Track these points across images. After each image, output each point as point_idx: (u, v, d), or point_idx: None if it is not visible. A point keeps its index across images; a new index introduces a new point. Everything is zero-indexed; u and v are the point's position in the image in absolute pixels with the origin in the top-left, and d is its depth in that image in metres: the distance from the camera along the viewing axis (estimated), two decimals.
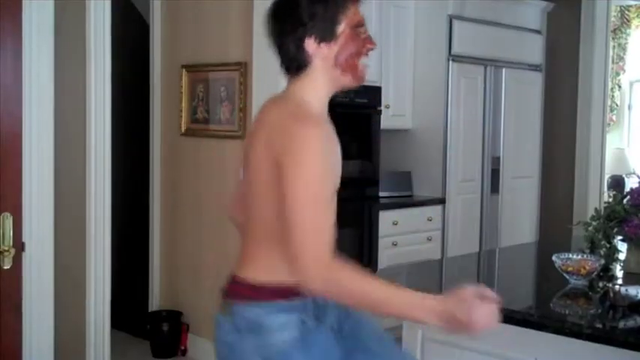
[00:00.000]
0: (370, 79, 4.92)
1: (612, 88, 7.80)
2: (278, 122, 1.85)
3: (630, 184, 6.16)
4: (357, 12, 1.91)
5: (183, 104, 4.72)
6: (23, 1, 2.73)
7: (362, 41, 1.90)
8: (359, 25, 1.90)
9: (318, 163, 1.75)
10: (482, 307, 1.70)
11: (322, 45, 1.87)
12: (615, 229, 2.63)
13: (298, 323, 1.85)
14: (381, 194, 5.09)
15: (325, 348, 1.90)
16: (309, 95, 1.90)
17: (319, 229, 1.78)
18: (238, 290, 1.90)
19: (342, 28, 1.87)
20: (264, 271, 1.88)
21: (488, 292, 1.73)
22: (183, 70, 4.70)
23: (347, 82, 1.92)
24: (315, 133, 1.77)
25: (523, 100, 5.99)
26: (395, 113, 5.33)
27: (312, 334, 1.87)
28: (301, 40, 1.86)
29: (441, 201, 5.38)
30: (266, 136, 1.85)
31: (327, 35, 1.86)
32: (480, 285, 1.77)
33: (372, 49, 1.93)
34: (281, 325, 1.84)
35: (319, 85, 1.91)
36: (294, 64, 1.90)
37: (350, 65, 1.89)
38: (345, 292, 1.79)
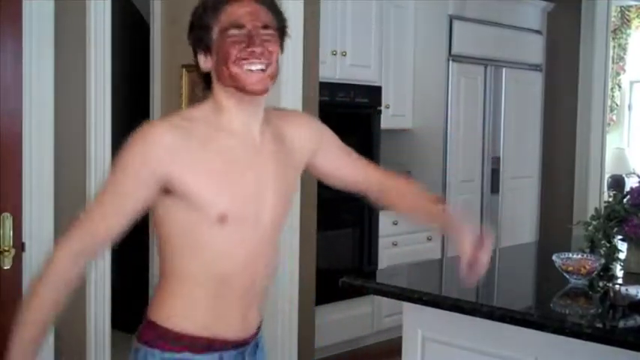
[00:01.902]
0: (370, 78, 4.98)
1: (612, 88, 7.79)
2: None
3: (630, 183, 6.16)
4: (235, 12, 1.60)
5: (184, 104, 4.71)
6: (23, 1, 2.73)
7: (235, 46, 1.58)
8: (233, 26, 1.59)
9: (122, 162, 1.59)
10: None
11: (207, 57, 1.63)
12: (615, 229, 2.63)
13: None
14: None
15: None
16: (213, 108, 1.65)
17: (85, 217, 1.68)
18: (146, 332, 1.70)
19: (215, 36, 1.61)
20: (164, 305, 1.68)
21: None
22: (184, 70, 4.69)
23: (237, 90, 1.61)
24: (133, 141, 1.57)
25: (523, 100, 5.99)
26: (395, 113, 5.33)
27: None
28: (195, 56, 1.66)
29: None
30: None
31: (202, 45, 1.63)
32: None
33: (258, 56, 1.59)
34: None
35: (220, 96, 1.64)
36: (203, 82, 1.69)
37: (222, 75, 1.60)
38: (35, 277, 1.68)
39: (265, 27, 1.63)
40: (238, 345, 1.64)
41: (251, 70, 1.58)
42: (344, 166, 1.98)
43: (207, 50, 1.62)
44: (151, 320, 1.65)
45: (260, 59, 1.59)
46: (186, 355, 1.58)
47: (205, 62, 1.63)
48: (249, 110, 1.63)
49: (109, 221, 1.64)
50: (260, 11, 1.63)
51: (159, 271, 1.69)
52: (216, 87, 1.63)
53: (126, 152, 1.56)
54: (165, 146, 1.54)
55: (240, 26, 1.59)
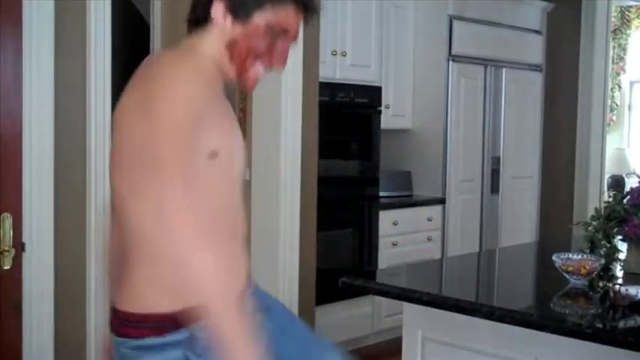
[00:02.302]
0: (370, 79, 4.98)
1: (612, 89, 7.79)
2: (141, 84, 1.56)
3: (630, 184, 6.16)
4: (293, 18, 1.58)
5: None
6: (23, 1, 2.73)
7: (272, 49, 1.56)
8: (284, 30, 1.57)
9: (181, 114, 1.46)
10: None
11: (228, 17, 1.55)
12: (615, 229, 2.63)
13: None
14: (381, 194, 5.09)
15: None
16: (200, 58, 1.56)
17: (189, 189, 1.44)
18: (113, 322, 1.63)
19: (260, 18, 1.54)
20: (133, 293, 1.58)
21: None
22: None
23: (229, 74, 1.58)
24: (180, 91, 1.47)
25: (523, 100, 5.99)
26: (395, 113, 5.33)
27: None
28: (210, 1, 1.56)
29: (441, 201, 5.38)
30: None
31: (239, 11, 1.54)
32: None
33: (275, 67, 1.60)
34: None
35: (207, 52, 1.57)
36: (195, 16, 1.59)
37: (239, 61, 1.56)
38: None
39: None
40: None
41: (259, 72, 1.60)
42: None
43: (235, 13, 1.54)
44: (122, 310, 1.62)
45: (275, 68, 1.61)
46: (154, 339, 1.55)
47: (222, 18, 1.55)
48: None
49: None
50: (299, 29, 1.64)
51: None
52: (212, 40, 1.56)
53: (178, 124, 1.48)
54: (201, 104, 1.49)
55: (287, 35, 1.59)
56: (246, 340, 1.41)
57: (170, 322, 1.50)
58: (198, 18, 1.57)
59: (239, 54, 1.55)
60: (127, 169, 1.52)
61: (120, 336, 1.58)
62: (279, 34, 1.57)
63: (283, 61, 1.59)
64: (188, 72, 1.47)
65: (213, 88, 1.52)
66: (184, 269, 1.40)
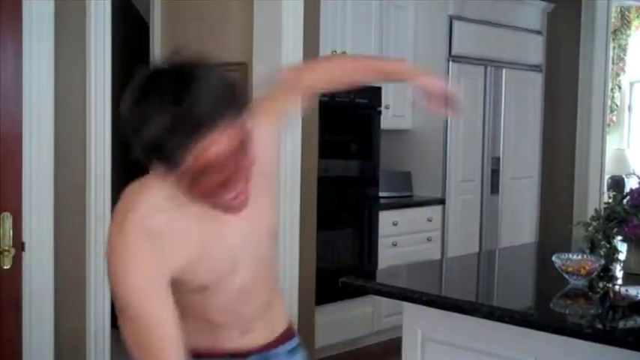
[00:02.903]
0: None
1: (612, 89, 7.79)
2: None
3: (630, 184, 6.16)
4: (209, 148, 1.33)
5: None
6: (23, 1, 2.74)
7: (212, 189, 1.40)
8: (207, 169, 1.36)
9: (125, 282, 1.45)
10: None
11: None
12: (615, 230, 2.63)
13: None
14: (381, 194, 5.09)
15: None
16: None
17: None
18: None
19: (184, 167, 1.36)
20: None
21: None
22: None
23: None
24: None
25: (523, 100, 5.99)
26: (395, 113, 5.33)
27: None
28: None
29: (441, 201, 5.38)
30: None
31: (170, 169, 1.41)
32: None
33: (231, 198, 1.42)
34: None
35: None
36: None
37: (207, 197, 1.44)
38: None
39: None
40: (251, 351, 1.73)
41: (234, 197, 1.48)
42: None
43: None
44: None
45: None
46: None
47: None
48: None
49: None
50: None
51: None
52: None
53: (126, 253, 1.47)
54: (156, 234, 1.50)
55: (218, 168, 1.40)
56: None
57: None
58: None
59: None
60: None
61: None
62: (207, 174, 1.39)
63: (230, 191, 1.43)
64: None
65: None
66: None
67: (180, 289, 1.49)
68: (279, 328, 1.85)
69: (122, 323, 1.43)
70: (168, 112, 1.30)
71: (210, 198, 1.41)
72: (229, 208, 1.45)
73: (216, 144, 1.33)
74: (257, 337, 1.76)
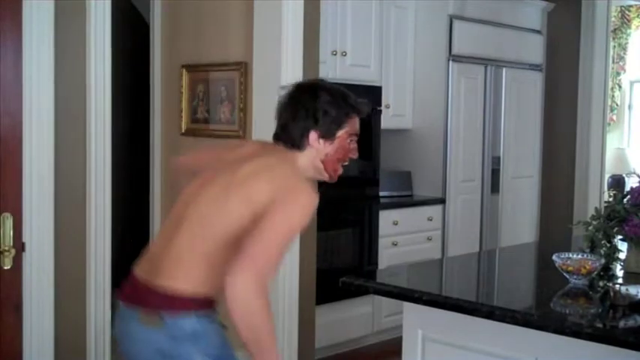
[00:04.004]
0: (370, 78, 4.98)
1: (612, 88, 7.80)
2: (283, 172, 2.11)
3: (630, 183, 6.16)
4: (357, 123, 2.20)
5: (184, 104, 4.72)
6: (23, 1, 2.74)
7: (349, 150, 2.20)
8: (354, 134, 2.19)
9: (299, 220, 2.04)
10: None
11: (321, 141, 2.15)
12: (615, 229, 2.63)
13: (218, 325, 2.11)
14: (381, 194, 5.09)
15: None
16: (300, 168, 2.17)
17: (274, 256, 1.97)
18: (169, 302, 2.05)
19: (341, 133, 2.17)
20: (197, 283, 2.07)
21: None
22: (184, 70, 4.70)
23: (323, 176, 2.22)
24: (309, 200, 2.07)
25: (523, 100, 5.99)
26: (395, 113, 5.33)
27: (224, 333, 2.12)
28: (307, 130, 2.14)
29: (441, 201, 5.38)
30: (269, 175, 2.09)
31: (328, 135, 2.15)
32: None
33: (353, 158, 2.24)
34: (212, 330, 2.08)
35: (303, 164, 2.17)
36: (292, 143, 2.17)
37: (332, 167, 2.20)
38: (248, 316, 1.91)
39: None
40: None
41: (341, 169, 2.24)
42: None
43: (325, 137, 2.15)
44: (184, 294, 2.05)
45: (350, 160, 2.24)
46: (208, 311, 2.08)
47: (316, 142, 2.15)
48: None
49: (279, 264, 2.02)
50: None
51: (197, 258, 2.08)
52: (308, 157, 2.18)
53: (304, 212, 2.07)
54: None
55: (357, 135, 2.21)
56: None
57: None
58: (297, 144, 2.15)
59: (333, 164, 2.19)
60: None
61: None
62: (352, 138, 2.19)
63: (356, 153, 2.23)
64: (310, 199, 2.10)
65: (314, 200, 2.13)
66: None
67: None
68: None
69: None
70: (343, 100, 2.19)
71: (337, 165, 2.21)
72: (333, 178, 2.24)
73: (358, 123, 2.22)
74: None
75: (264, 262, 1.93)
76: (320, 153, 2.17)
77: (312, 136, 2.15)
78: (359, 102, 2.23)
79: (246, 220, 2.01)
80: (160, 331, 2.03)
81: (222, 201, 2.07)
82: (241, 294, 1.88)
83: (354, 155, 2.22)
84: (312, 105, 2.15)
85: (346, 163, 2.23)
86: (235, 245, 1.99)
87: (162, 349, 2.04)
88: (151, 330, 2.04)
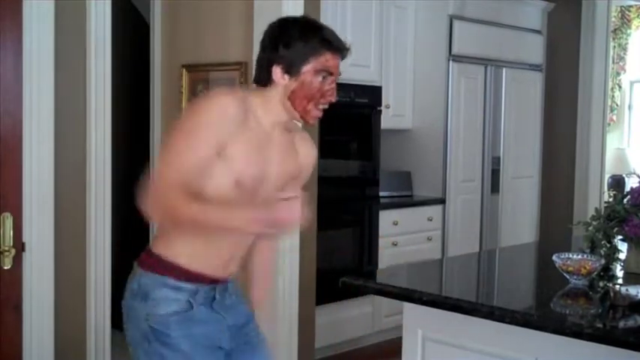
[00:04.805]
0: (370, 78, 4.98)
1: (612, 88, 7.79)
2: None
3: (630, 183, 6.16)
4: (331, 60, 2.01)
5: (184, 104, 4.71)
6: (23, 1, 2.74)
7: (320, 90, 2.01)
8: (326, 72, 2.01)
9: (191, 119, 1.95)
10: (284, 205, 1.91)
11: (286, 76, 2.00)
12: (615, 229, 2.63)
13: (182, 301, 2.03)
14: (381, 194, 5.09)
15: (203, 328, 2.06)
16: (258, 101, 2.04)
17: (176, 162, 1.92)
18: (143, 257, 2.13)
19: (307, 68, 1.99)
20: (165, 245, 2.08)
21: (294, 197, 1.94)
22: (184, 70, 4.70)
23: (296, 116, 2.05)
24: (204, 102, 1.96)
25: (523, 100, 5.99)
26: (395, 113, 5.33)
27: (192, 312, 2.04)
28: (271, 64, 2.02)
29: (441, 201, 5.38)
30: None
31: (291, 70, 2.00)
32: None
33: (329, 101, 2.04)
34: (165, 298, 2.02)
35: (272, 102, 2.04)
36: (261, 80, 2.05)
37: (300, 106, 2.02)
38: (169, 209, 1.93)
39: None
40: (212, 282, 2.08)
41: (316, 110, 2.03)
42: None
43: (289, 72, 1.99)
44: (155, 253, 2.09)
45: (329, 103, 2.04)
46: (172, 280, 2.03)
47: (281, 78, 2.00)
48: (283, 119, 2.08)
49: (185, 175, 1.91)
50: (339, 66, 2.05)
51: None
52: (278, 95, 2.02)
53: (199, 114, 1.93)
54: (234, 114, 1.93)
55: (330, 74, 2.01)
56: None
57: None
58: (262, 79, 2.04)
59: (299, 101, 2.01)
60: None
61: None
62: (324, 77, 2.01)
63: (332, 95, 2.04)
64: (230, 92, 1.97)
65: (246, 109, 1.97)
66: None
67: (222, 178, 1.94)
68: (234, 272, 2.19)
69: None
70: (313, 33, 2.02)
71: (308, 102, 1.99)
72: (305, 118, 2.03)
73: (333, 61, 2.01)
74: (228, 272, 2.15)
75: (165, 170, 1.95)
76: (286, 89, 2.01)
77: (276, 70, 2.01)
78: (336, 39, 2.04)
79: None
80: (130, 283, 2.11)
81: None
82: (152, 202, 1.94)
83: (331, 97, 2.04)
84: (277, 37, 2.04)
85: (323, 106, 2.05)
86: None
87: (125, 302, 2.11)
88: (129, 281, 2.12)
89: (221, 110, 1.92)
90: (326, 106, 2.05)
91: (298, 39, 2.00)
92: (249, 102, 2.01)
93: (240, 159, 1.96)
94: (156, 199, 1.93)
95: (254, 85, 2.09)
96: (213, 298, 2.09)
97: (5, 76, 2.63)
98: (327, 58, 2.00)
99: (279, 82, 2.01)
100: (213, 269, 2.08)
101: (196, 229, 2.00)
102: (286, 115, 2.06)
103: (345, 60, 2.10)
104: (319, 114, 2.05)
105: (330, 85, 2.02)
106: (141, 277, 2.07)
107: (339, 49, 2.03)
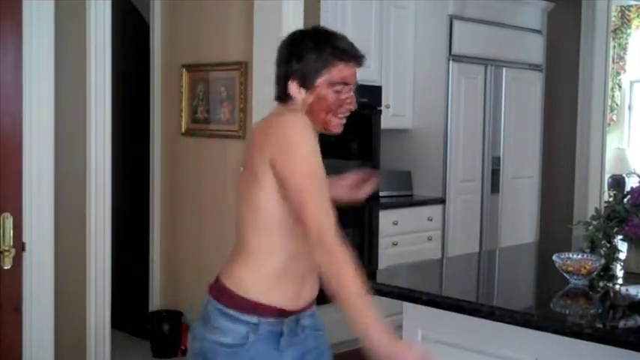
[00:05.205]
0: (370, 78, 4.97)
1: (612, 88, 7.79)
2: (268, 130, 1.98)
3: (630, 183, 6.16)
4: (344, 70, 1.97)
5: (184, 104, 4.72)
6: (23, 1, 2.73)
7: (338, 100, 1.98)
8: (342, 82, 1.97)
9: (310, 154, 1.90)
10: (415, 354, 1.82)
11: (302, 90, 1.98)
12: (615, 229, 2.63)
13: (239, 335, 1.97)
14: (381, 194, 5.09)
15: None
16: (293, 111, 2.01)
17: (325, 198, 1.87)
18: (212, 283, 2.09)
19: (320, 81, 1.97)
20: (237, 274, 2.02)
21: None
22: (184, 70, 4.70)
23: (318, 128, 2.01)
24: (304, 132, 1.91)
25: (523, 100, 5.99)
26: (395, 113, 5.33)
27: (245, 348, 1.97)
28: (287, 78, 2.00)
29: (441, 201, 5.38)
30: (259, 144, 1.96)
31: (306, 83, 1.97)
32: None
33: (349, 110, 2.01)
34: (222, 328, 1.98)
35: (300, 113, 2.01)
36: (279, 95, 2.04)
37: (319, 119, 2.00)
38: (331, 269, 1.89)
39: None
40: (280, 314, 2.03)
41: (337, 120, 2.01)
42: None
43: (305, 86, 1.98)
44: (223, 282, 2.04)
45: (349, 111, 2.02)
46: (232, 311, 1.98)
47: (298, 93, 1.99)
48: None
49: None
50: (356, 74, 2.03)
51: (240, 247, 2.04)
52: (301, 108, 1.99)
53: (302, 142, 1.91)
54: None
55: (346, 84, 1.99)
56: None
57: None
58: (281, 95, 2.02)
59: (317, 114, 1.99)
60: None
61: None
62: (341, 87, 1.98)
63: (351, 104, 2.01)
64: (305, 132, 1.93)
65: (312, 131, 1.96)
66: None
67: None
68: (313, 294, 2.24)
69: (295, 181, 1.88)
70: (327, 44, 1.99)
71: (326, 114, 1.98)
72: (328, 129, 2.02)
73: (347, 70, 1.98)
74: (306, 297, 2.21)
75: (320, 215, 1.85)
76: (304, 104, 1.99)
77: (291, 85, 1.98)
78: (349, 47, 1.99)
79: (273, 199, 1.93)
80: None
81: (247, 196, 2.00)
82: (320, 252, 1.86)
83: (350, 106, 2.01)
84: (289, 52, 2.00)
85: (344, 115, 2.02)
86: (282, 225, 1.95)
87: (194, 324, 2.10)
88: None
89: (314, 142, 1.92)
90: (347, 114, 2.02)
91: (310, 51, 1.97)
92: None
93: None
94: (328, 251, 1.85)
95: (277, 102, 2.07)
96: (281, 334, 2.03)
97: (5, 76, 2.62)
98: (340, 69, 1.97)
99: (297, 96, 1.99)
100: (285, 300, 2.04)
101: (337, 299, 1.90)
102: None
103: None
104: (341, 122, 2.03)
105: (347, 94, 2.00)
106: (208, 303, 2.05)
107: (352, 57, 1.99)
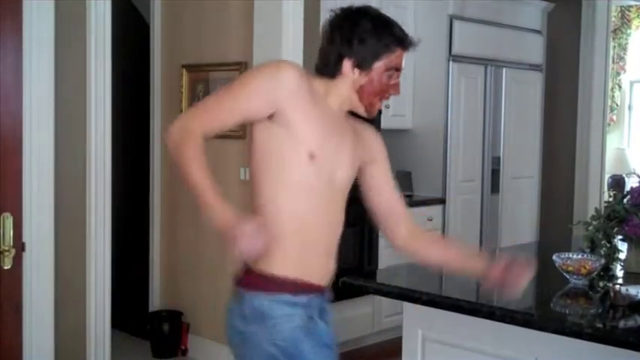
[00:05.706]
0: None
1: (612, 88, 7.79)
2: None
3: (630, 183, 6.16)
4: (400, 57, 2.04)
5: (184, 104, 4.72)
6: (23, 1, 2.73)
7: (388, 84, 2.04)
8: (395, 69, 2.03)
9: (249, 77, 2.01)
10: (245, 238, 1.78)
11: (356, 70, 2.00)
12: (615, 229, 2.63)
13: (302, 315, 1.97)
14: None
15: (324, 338, 2.02)
16: (322, 88, 2.04)
17: (211, 108, 1.95)
18: (246, 280, 2.00)
19: (379, 65, 2.01)
20: (265, 261, 1.96)
21: (268, 232, 1.86)
22: (184, 70, 4.70)
23: (359, 109, 2.07)
24: (267, 71, 1.96)
25: (523, 100, 5.99)
26: (395, 113, 5.33)
27: (313, 324, 1.99)
28: (342, 57, 2.00)
29: (441, 201, 5.38)
30: None
31: (364, 65, 2.00)
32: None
33: (394, 95, 2.09)
34: (285, 315, 1.95)
35: (336, 92, 2.04)
36: (327, 71, 2.04)
37: (368, 100, 2.05)
38: (179, 143, 1.90)
39: None
40: (319, 291, 2.04)
41: (380, 104, 2.08)
42: (384, 191, 2.41)
43: (360, 67, 2.00)
44: (259, 271, 1.97)
45: (392, 95, 2.08)
46: (287, 296, 1.96)
47: (350, 72, 2.01)
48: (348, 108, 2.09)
49: (220, 122, 1.96)
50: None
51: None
52: (344, 87, 2.03)
53: (259, 72, 2.00)
54: (293, 84, 1.93)
55: (397, 70, 2.04)
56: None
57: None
58: (328, 71, 2.03)
59: (367, 96, 2.04)
60: None
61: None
62: (392, 72, 2.04)
63: (397, 90, 2.07)
64: (279, 69, 1.96)
65: (310, 86, 1.98)
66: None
67: (290, 150, 1.95)
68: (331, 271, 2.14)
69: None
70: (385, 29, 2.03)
71: (374, 97, 2.03)
72: (370, 111, 2.08)
73: (402, 57, 2.04)
74: (327, 274, 2.12)
75: (187, 112, 2.00)
76: (355, 84, 2.02)
77: (347, 64, 2.01)
78: (406, 35, 2.04)
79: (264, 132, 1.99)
80: (237, 308, 1.99)
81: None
82: (169, 139, 1.91)
83: (395, 92, 2.08)
84: (350, 31, 2.00)
85: (386, 100, 2.09)
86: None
87: (235, 326, 2.01)
88: (235, 306, 2.01)
89: (279, 74, 1.93)
90: (388, 100, 2.09)
91: (371, 35, 1.99)
92: (313, 84, 2.01)
93: (305, 127, 1.95)
94: (178, 129, 1.90)
95: (316, 73, 2.08)
96: (323, 309, 2.07)
97: (5, 76, 2.62)
98: (398, 55, 2.02)
99: (348, 75, 2.02)
100: (316, 270, 2.05)
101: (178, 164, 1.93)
102: (348, 105, 2.07)
103: None
104: (381, 107, 2.11)
105: (395, 80, 2.05)
106: (252, 300, 1.97)
107: (410, 44, 2.04)
